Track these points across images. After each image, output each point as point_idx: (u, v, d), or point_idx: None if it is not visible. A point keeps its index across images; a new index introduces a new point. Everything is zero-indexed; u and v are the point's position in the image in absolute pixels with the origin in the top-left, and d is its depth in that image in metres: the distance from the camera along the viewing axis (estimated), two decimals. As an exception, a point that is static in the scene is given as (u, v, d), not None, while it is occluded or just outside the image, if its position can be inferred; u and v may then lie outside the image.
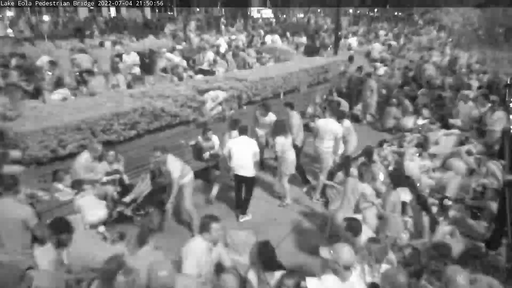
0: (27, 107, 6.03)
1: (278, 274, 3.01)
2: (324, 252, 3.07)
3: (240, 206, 5.65)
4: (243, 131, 5.45)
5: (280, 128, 5.76)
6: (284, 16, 28.06)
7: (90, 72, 8.80)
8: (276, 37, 17.89)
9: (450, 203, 5.09)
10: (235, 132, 5.81)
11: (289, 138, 5.83)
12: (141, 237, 3.52)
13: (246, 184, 5.54)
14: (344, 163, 6.39)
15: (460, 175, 5.98)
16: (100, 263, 2.92)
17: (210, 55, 12.41)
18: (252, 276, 3.19)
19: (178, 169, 4.75)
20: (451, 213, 5.12)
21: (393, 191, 4.73)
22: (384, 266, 3.31)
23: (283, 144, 5.67)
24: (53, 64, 8.96)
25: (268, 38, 17.88)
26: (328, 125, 6.04)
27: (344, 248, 3.01)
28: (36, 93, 7.93)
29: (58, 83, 8.51)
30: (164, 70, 11.35)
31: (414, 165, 6.27)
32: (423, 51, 15.70)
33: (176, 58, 12.10)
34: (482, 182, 5.51)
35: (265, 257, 3.12)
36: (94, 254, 3.31)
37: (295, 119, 6.54)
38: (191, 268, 3.28)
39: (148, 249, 3.47)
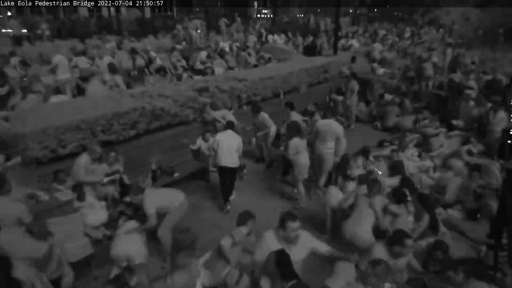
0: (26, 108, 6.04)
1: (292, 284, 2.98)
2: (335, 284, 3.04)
3: (225, 195, 5.92)
4: (229, 126, 5.80)
5: (295, 129, 5.77)
6: (284, 16, 28.06)
7: (84, 79, 8.71)
8: (279, 36, 17.87)
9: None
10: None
11: (304, 139, 5.81)
12: (241, 218, 3.99)
13: (228, 174, 5.79)
14: (341, 164, 6.36)
15: (460, 175, 5.97)
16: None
17: (203, 54, 12.44)
18: (264, 283, 3.16)
19: (154, 206, 4.33)
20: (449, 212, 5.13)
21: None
22: (387, 286, 3.24)
23: (298, 145, 5.64)
24: (24, 64, 8.84)
25: (270, 38, 17.88)
26: (329, 125, 6.02)
27: (347, 265, 3.00)
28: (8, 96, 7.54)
29: (57, 90, 8.43)
30: (142, 70, 11.44)
31: (412, 165, 6.26)
32: (424, 51, 15.70)
33: (159, 60, 12.33)
34: (482, 183, 5.49)
35: (283, 266, 3.08)
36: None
37: (295, 119, 6.54)
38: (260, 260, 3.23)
39: (243, 230, 3.88)
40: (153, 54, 12.51)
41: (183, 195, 4.69)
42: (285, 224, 3.28)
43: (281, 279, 3.02)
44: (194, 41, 16.29)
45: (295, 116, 6.62)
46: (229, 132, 5.74)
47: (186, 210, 4.71)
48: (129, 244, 4.11)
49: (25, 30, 16.44)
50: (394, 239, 3.69)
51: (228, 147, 5.57)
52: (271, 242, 3.32)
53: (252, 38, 17.09)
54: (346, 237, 4.39)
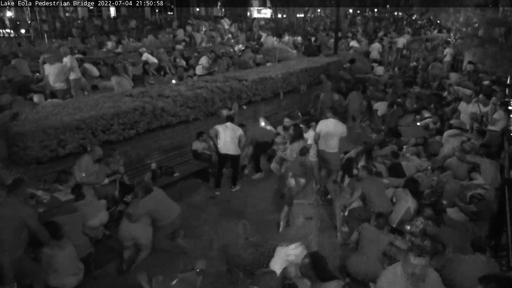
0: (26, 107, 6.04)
1: (331, 284, 2.96)
2: None
3: (218, 181, 6.36)
4: (229, 118, 6.27)
5: (298, 134, 5.89)
6: (285, 16, 28.05)
7: (94, 87, 8.70)
8: (282, 39, 17.81)
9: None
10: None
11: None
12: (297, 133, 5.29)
13: (231, 162, 6.27)
14: (346, 164, 6.35)
15: (459, 175, 5.97)
16: None
17: (203, 60, 11.76)
18: (302, 284, 3.16)
19: (147, 208, 4.50)
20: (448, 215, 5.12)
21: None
22: None
23: (296, 150, 5.71)
24: None
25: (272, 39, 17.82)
26: (334, 126, 6.01)
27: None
28: None
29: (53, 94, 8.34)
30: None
31: (412, 165, 6.25)
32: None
33: (155, 59, 12.17)
34: (478, 192, 5.44)
35: (318, 268, 3.06)
36: None
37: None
38: None
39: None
40: (147, 55, 12.22)
41: (178, 210, 4.80)
42: (407, 256, 2.75)
43: (319, 281, 3.02)
44: (198, 43, 15.97)
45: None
46: (229, 124, 6.13)
47: (178, 225, 4.83)
48: (135, 226, 4.40)
49: (8, 30, 16.47)
50: None
51: (225, 137, 6.03)
52: (394, 277, 2.85)
53: (270, 39, 16.89)
54: (351, 271, 4.20)
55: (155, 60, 12.27)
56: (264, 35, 19.04)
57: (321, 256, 3.16)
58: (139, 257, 4.56)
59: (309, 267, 3.06)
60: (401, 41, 17.29)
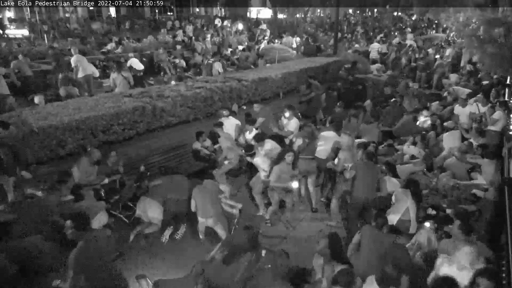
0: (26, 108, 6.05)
1: (341, 267, 3.13)
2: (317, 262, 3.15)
3: None
4: (231, 113, 7.18)
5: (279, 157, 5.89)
6: (285, 16, 28.05)
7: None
8: (290, 38, 17.79)
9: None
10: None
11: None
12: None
13: None
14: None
15: (459, 175, 5.96)
16: None
17: (217, 66, 11.46)
18: (317, 260, 3.31)
19: (166, 179, 5.10)
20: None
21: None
22: None
23: (272, 149, 5.78)
24: None
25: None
26: (331, 139, 6.06)
27: None
28: None
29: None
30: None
31: (406, 168, 6.21)
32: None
33: (140, 65, 11.55)
34: (474, 190, 5.44)
35: (333, 248, 3.25)
36: None
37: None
38: None
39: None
40: (135, 62, 11.61)
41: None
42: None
43: (331, 260, 3.20)
44: (199, 50, 15.68)
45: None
46: (231, 118, 6.95)
47: (180, 213, 5.15)
48: (150, 203, 4.84)
49: None
50: None
51: (230, 125, 6.80)
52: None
53: (290, 39, 16.79)
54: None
55: (140, 66, 11.57)
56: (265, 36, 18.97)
57: (339, 238, 3.31)
58: (149, 229, 4.88)
59: (325, 246, 3.23)
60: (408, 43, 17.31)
